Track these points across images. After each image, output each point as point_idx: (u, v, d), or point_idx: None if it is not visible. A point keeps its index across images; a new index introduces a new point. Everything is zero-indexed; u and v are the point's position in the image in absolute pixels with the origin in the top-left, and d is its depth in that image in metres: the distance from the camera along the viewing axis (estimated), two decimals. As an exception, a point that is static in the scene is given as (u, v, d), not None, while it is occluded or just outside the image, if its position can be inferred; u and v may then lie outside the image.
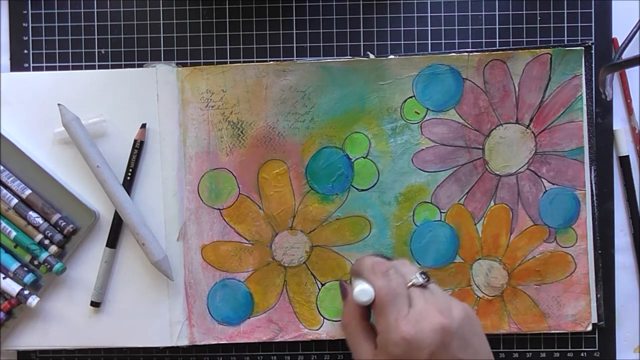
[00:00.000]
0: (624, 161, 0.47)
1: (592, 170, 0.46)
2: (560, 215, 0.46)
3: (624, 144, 0.47)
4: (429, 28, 0.47)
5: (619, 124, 0.47)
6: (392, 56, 0.46)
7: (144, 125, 0.46)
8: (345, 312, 0.39)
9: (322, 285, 0.47)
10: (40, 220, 0.45)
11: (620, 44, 0.46)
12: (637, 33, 0.45)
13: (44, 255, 0.45)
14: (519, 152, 0.46)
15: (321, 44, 0.48)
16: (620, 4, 0.47)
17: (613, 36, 0.47)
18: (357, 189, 0.46)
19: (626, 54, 0.45)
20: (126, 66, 0.48)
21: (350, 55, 0.47)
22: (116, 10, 0.48)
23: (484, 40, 0.47)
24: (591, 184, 0.46)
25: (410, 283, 0.37)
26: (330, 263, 0.47)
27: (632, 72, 0.47)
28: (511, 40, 0.47)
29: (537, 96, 0.46)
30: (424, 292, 0.36)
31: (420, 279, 0.37)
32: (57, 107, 0.44)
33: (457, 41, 0.47)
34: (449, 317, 0.35)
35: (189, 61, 0.48)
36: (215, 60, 0.48)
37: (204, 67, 0.46)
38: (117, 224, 0.46)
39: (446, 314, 0.35)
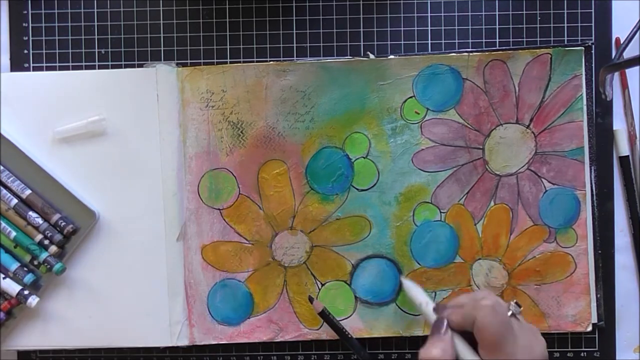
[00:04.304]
0: (624, 161, 0.47)
1: (592, 170, 0.46)
2: (560, 216, 0.46)
3: (624, 144, 0.47)
4: (429, 28, 0.47)
5: (619, 124, 0.47)
6: (392, 56, 0.46)
7: None
8: (439, 348, 0.38)
9: (322, 285, 0.47)
10: (40, 221, 0.45)
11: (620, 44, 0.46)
12: (637, 33, 0.45)
13: (44, 256, 0.45)
14: (519, 152, 0.46)
15: (321, 44, 0.48)
16: (620, 4, 0.47)
17: (616, 36, 0.47)
18: (357, 189, 0.46)
19: (626, 54, 0.45)
20: (126, 66, 0.48)
21: (350, 55, 0.47)
22: (116, 10, 0.48)
23: (484, 40, 0.47)
24: (591, 184, 0.46)
25: (510, 313, 0.38)
26: (330, 263, 0.47)
27: (632, 72, 0.47)
28: (511, 40, 0.47)
29: (537, 96, 0.46)
30: (517, 320, 0.38)
31: (517, 309, 0.38)
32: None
33: (457, 41, 0.47)
34: (542, 343, 0.38)
35: (189, 61, 0.48)
36: (215, 60, 0.48)
37: (204, 67, 0.46)
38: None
39: (539, 340, 0.38)
